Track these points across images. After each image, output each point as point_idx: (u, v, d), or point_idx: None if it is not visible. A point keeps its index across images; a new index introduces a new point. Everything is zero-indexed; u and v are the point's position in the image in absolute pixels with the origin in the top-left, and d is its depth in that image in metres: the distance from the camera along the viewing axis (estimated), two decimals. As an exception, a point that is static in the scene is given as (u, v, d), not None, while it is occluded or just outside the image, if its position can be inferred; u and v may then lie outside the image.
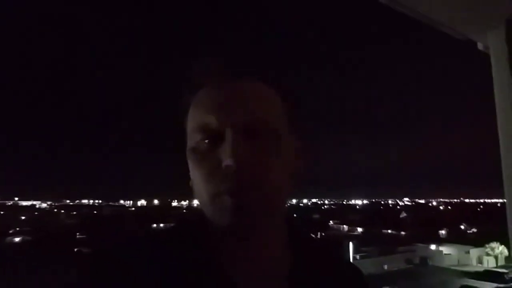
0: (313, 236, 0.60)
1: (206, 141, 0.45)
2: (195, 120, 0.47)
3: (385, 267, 27.77)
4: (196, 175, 0.46)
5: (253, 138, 0.44)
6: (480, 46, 1.35)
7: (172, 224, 0.55)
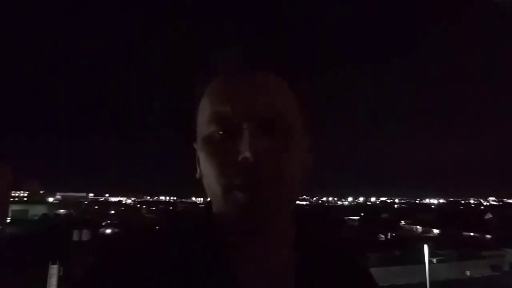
0: (327, 236, 0.58)
1: (221, 132, 0.43)
2: (211, 109, 0.44)
3: (467, 273, 25.55)
4: (208, 167, 0.44)
5: (270, 132, 0.43)
6: None
7: (180, 220, 0.53)
